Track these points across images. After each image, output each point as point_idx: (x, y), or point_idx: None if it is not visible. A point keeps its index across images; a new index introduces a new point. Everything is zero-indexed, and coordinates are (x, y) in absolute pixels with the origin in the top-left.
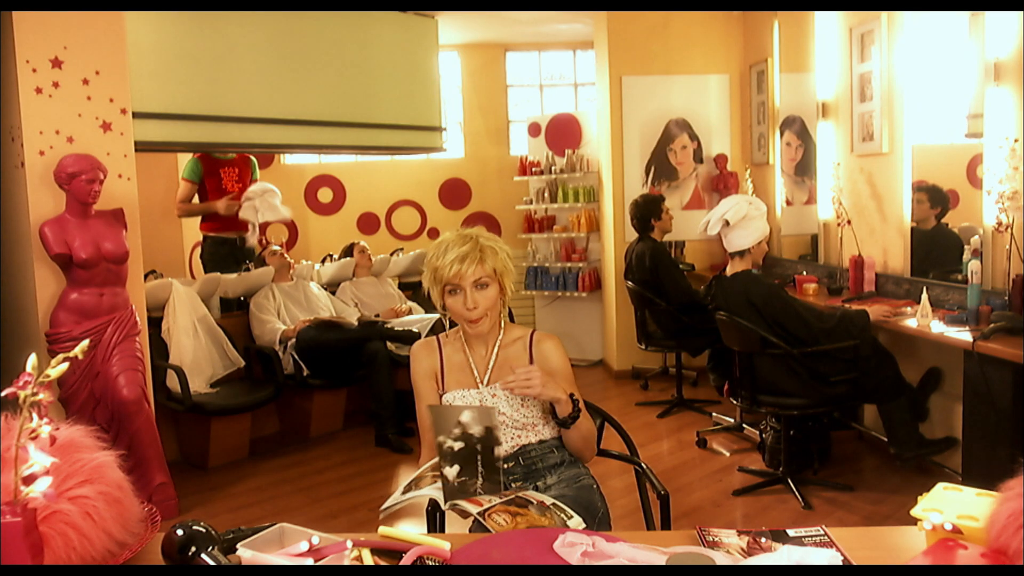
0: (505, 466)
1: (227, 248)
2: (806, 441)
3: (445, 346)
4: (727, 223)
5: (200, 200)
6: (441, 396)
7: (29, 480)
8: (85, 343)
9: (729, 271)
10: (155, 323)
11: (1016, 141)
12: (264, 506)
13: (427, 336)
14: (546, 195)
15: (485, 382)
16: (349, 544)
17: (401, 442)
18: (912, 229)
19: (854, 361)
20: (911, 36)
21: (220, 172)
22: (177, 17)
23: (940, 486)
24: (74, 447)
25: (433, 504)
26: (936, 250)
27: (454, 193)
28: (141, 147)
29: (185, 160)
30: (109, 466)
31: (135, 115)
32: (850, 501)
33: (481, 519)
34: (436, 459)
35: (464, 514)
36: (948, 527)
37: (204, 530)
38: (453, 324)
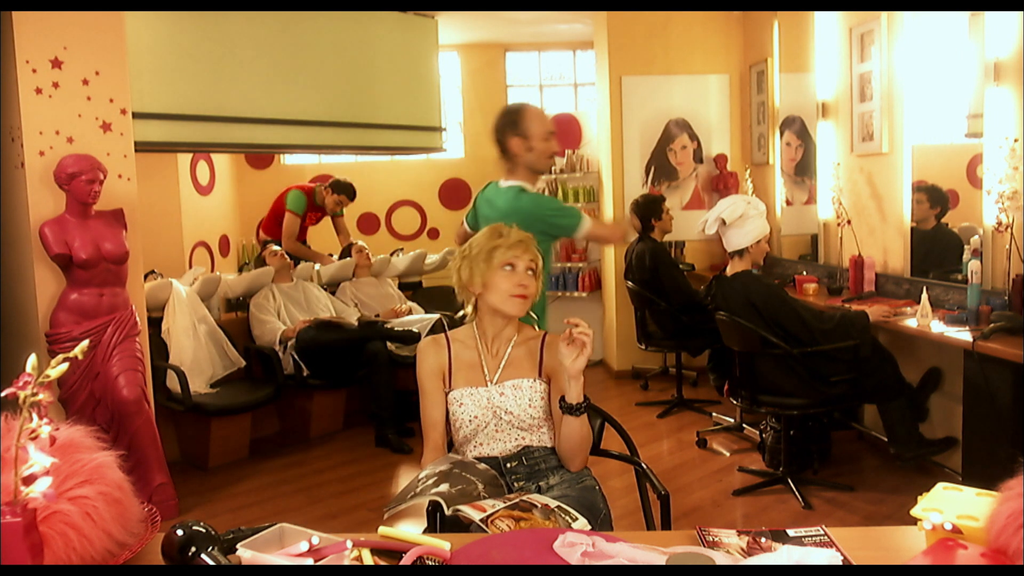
0: (508, 466)
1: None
2: (806, 441)
3: (454, 343)
4: (724, 222)
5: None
6: (447, 394)
7: (29, 480)
8: (85, 343)
9: (729, 271)
10: (155, 323)
11: (1016, 141)
12: (264, 506)
13: (427, 335)
14: (546, 195)
15: (495, 380)
16: (349, 544)
17: (401, 442)
18: (912, 229)
19: (854, 361)
20: (911, 36)
21: (309, 215)
22: (177, 17)
23: (940, 486)
24: (74, 447)
25: (434, 504)
26: (936, 250)
27: (454, 193)
28: (141, 147)
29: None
30: (109, 466)
31: (135, 115)
32: (850, 501)
33: (483, 526)
34: (440, 460)
35: (467, 520)
36: (948, 527)
37: (204, 530)
38: (453, 324)
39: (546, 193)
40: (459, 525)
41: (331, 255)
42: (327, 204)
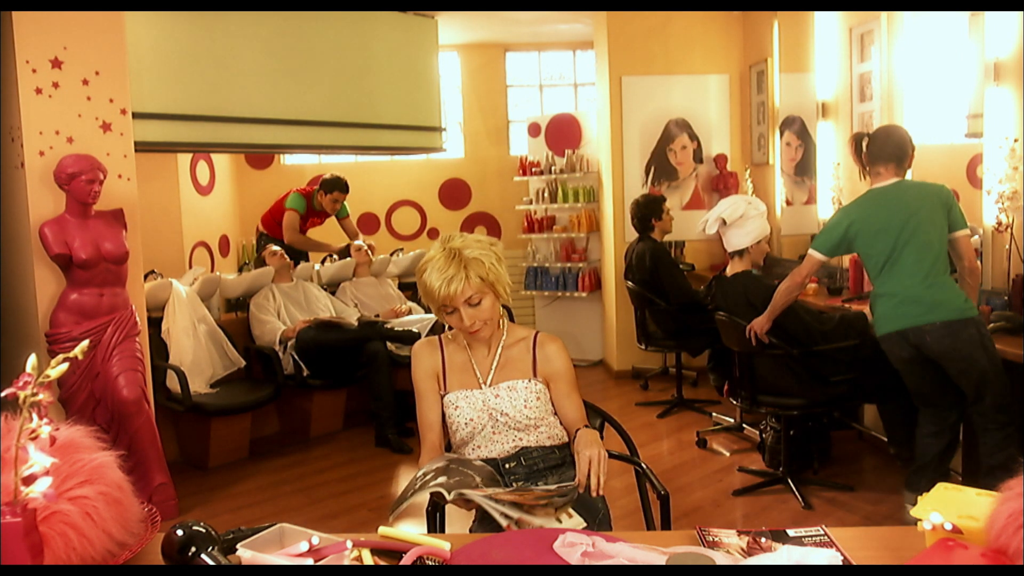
0: (506, 467)
1: (281, 247)
2: (806, 441)
3: (447, 346)
4: (724, 222)
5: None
6: (443, 396)
7: (29, 480)
8: (85, 343)
9: (729, 271)
10: (155, 323)
11: (1016, 141)
12: (264, 506)
13: (427, 335)
14: (546, 195)
15: (488, 382)
16: (349, 544)
17: (401, 442)
18: None
19: (854, 361)
20: (911, 36)
21: (310, 219)
22: (177, 17)
23: (940, 486)
24: (74, 447)
25: (433, 504)
26: None
27: (454, 193)
28: (141, 147)
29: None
30: (109, 466)
31: (135, 115)
32: (850, 501)
33: (491, 500)
34: (437, 459)
35: (469, 504)
36: (948, 527)
37: (204, 530)
38: None
39: (545, 194)
40: (458, 523)
41: (331, 255)
42: (325, 206)
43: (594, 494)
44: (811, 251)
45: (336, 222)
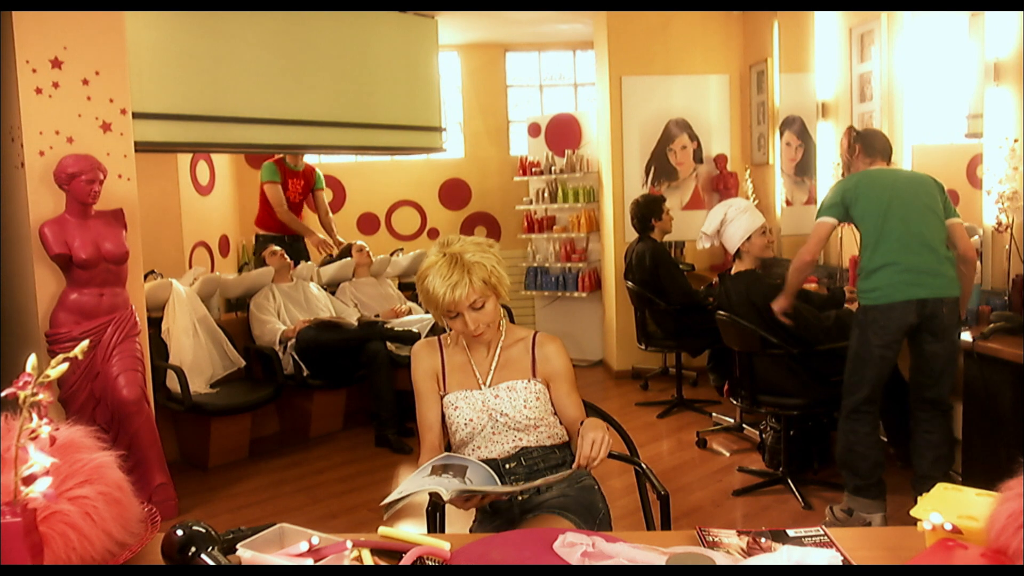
0: (507, 467)
1: (280, 247)
2: (806, 441)
3: (446, 346)
4: (709, 234)
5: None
6: (442, 397)
7: (29, 480)
8: (85, 343)
9: (733, 271)
10: (155, 323)
11: (1016, 141)
12: (264, 506)
13: (427, 336)
14: (546, 195)
15: (488, 383)
16: (349, 544)
17: (401, 442)
18: None
19: None
20: (911, 36)
21: (288, 182)
22: (177, 17)
23: (940, 486)
24: (74, 447)
25: (433, 504)
26: None
27: (454, 193)
28: (141, 147)
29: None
30: (109, 466)
31: (135, 115)
32: None
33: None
34: (434, 459)
35: (468, 502)
36: (948, 527)
37: (204, 530)
38: None
39: (545, 194)
40: (458, 523)
41: (330, 255)
42: (298, 161)
43: (581, 464)
44: (818, 220)
45: (311, 207)
